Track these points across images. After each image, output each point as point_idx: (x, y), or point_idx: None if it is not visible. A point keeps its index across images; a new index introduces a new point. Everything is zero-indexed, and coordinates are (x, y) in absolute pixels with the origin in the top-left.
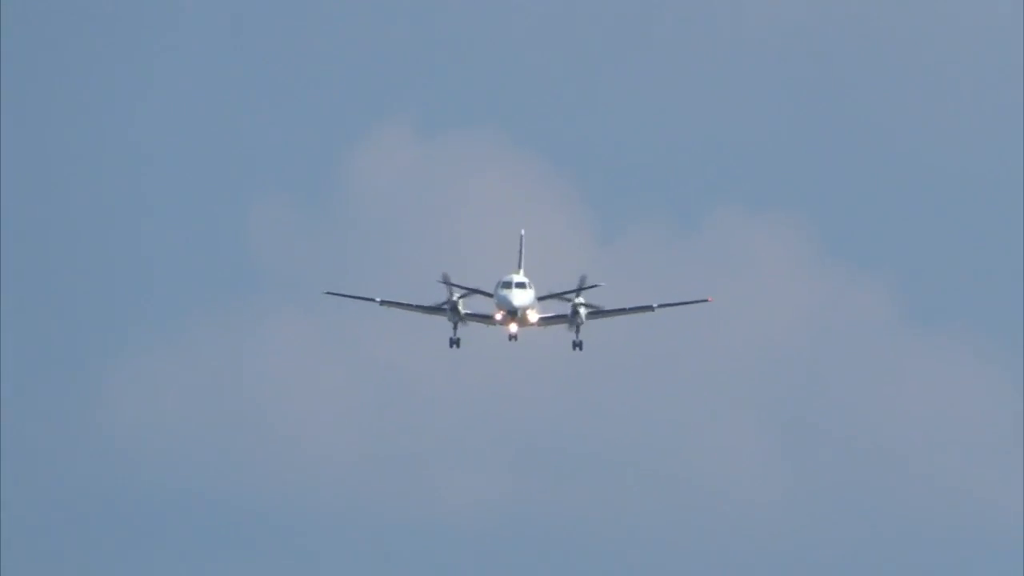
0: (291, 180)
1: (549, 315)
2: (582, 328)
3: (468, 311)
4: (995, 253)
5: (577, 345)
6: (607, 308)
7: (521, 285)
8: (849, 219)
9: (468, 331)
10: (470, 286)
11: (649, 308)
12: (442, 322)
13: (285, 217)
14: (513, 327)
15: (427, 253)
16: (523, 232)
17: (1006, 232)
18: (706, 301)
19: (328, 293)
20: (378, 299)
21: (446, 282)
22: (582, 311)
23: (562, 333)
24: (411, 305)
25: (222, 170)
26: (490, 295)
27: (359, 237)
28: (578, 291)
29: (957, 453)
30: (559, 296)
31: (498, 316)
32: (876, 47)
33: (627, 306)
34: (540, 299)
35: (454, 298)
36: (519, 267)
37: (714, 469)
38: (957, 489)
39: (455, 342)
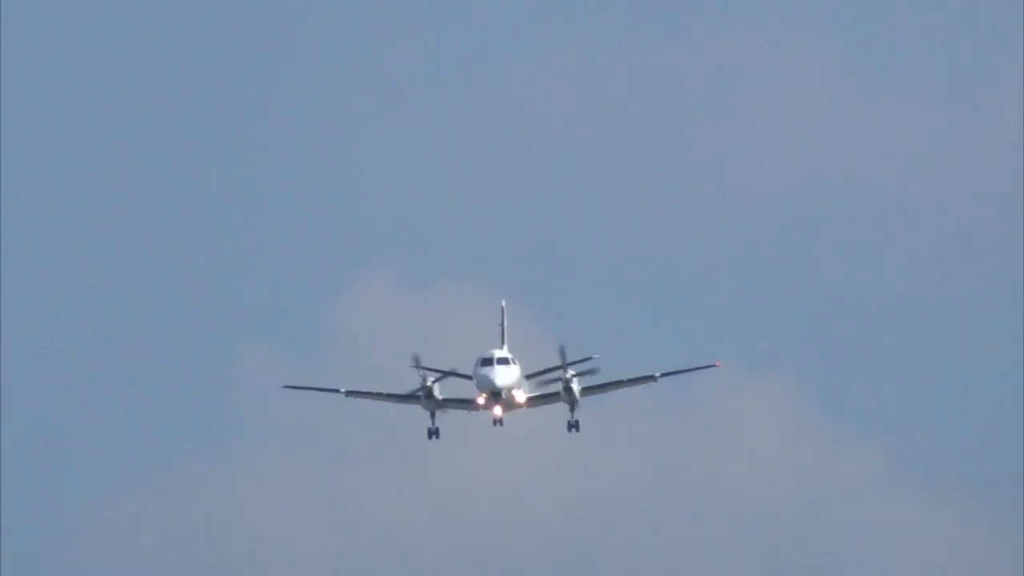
0: (274, 330)
1: (539, 394)
2: (577, 406)
3: (446, 396)
4: (993, 416)
5: (573, 426)
6: (604, 381)
7: (504, 361)
8: (843, 382)
9: (447, 419)
10: (445, 369)
11: (651, 378)
12: (417, 411)
13: (268, 366)
14: (498, 410)
15: (399, 345)
16: (504, 303)
17: (1004, 393)
18: (714, 366)
19: (287, 387)
20: (343, 390)
21: (417, 366)
22: (575, 386)
23: (555, 413)
24: (381, 394)
25: (203, 319)
26: (469, 377)
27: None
28: (570, 365)
29: None
30: (549, 372)
31: (480, 399)
32: (877, 210)
33: (626, 377)
34: (528, 377)
35: (428, 383)
36: (502, 343)
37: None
38: None
39: (434, 432)
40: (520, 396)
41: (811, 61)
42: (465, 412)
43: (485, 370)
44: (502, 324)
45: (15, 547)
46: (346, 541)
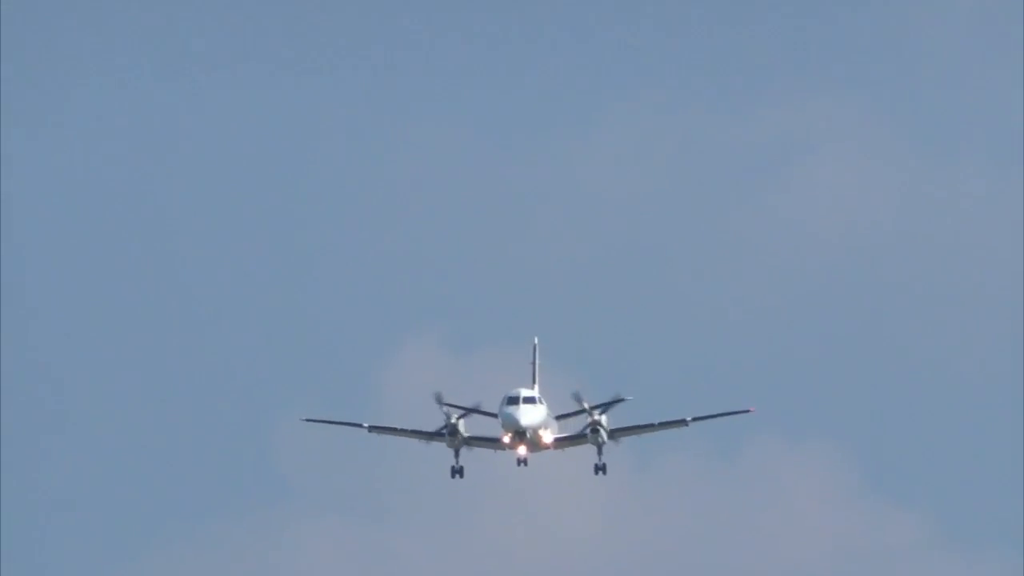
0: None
1: (566, 435)
2: (604, 448)
3: (470, 434)
4: None
5: (600, 468)
6: (633, 424)
7: (530, 400)
8: (886, 450)
9: (472, 458)
10: (469, 406)
11: (683, 423)
12: (441, 449)
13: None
14: (522, 450)
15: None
16: (537, 341)
17: None
18: (748, 412)
19: (308, 420)
20: (366, 425)
21: (440, 402)
22: (603, 428)
23: (582, 456)
24: (405, 430)
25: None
26: (494, 415)
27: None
28: (599, 406)
29: None
30: (578, 414)
31: (505, 438)
32: (925, 279)
33: (657, 421)
34: (558, 418)
35: (453, 420)
36: (533, 382)
37: None
38: None
39: (458, 471)
40: (547, 436)
41: (861, 130)
42: (491, 452)
43: (510, 409)
44: (533, 362)
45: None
46: None
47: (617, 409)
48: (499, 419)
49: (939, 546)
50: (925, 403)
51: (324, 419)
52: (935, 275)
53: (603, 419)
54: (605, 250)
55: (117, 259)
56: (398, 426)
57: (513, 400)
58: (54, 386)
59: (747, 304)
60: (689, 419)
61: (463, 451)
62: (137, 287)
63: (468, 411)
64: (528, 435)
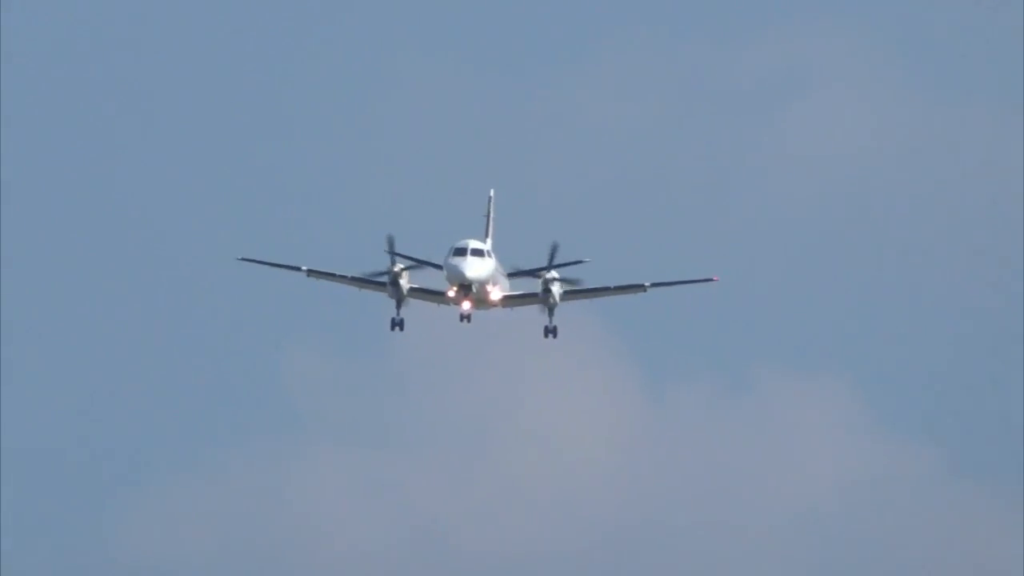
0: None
1: (516, 293)
2: (556, 310)
3: (414, 285)
4: None
5: (550, 332)
6: (589, 287)
7: (478, 252)
8: (895, 382)
9: (415, 311)
10: (419, 256)
11: (641, 287)
12: (382, 299)
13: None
14: (467, 305)
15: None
16: (492, 193)
17: None
18: (711, 280)
19: (243, 259)
20: (304, 268)
21: (391, 250)
22: (556, 288)
23: (532, 316)
24: (344, 276)
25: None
26: (440, 267)
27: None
28: (556, 266)
29: None
30: (533, 273)
31: (450, 292)
32: (922, 216)
33: (613, 284)
34: (510, 276)
35: (396, 268)
36: (485, 236)
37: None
38: None
39: (398, 324)
40: (495, 293)
41: (857, 65)
42: (434, 306)
43: (456, 260)
44: (488, 215)
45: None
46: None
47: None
48: (444, 271)
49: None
50: (927, 334)
51: (261, 260)
52: (940, 207)
53: (557, 278)
54: (590, 149)
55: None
56: (338, 272)
57: (460, 251)
58: None
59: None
60: (648, 284)
61: (405, 304)
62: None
63: (413, 261)
64: (474, 289)
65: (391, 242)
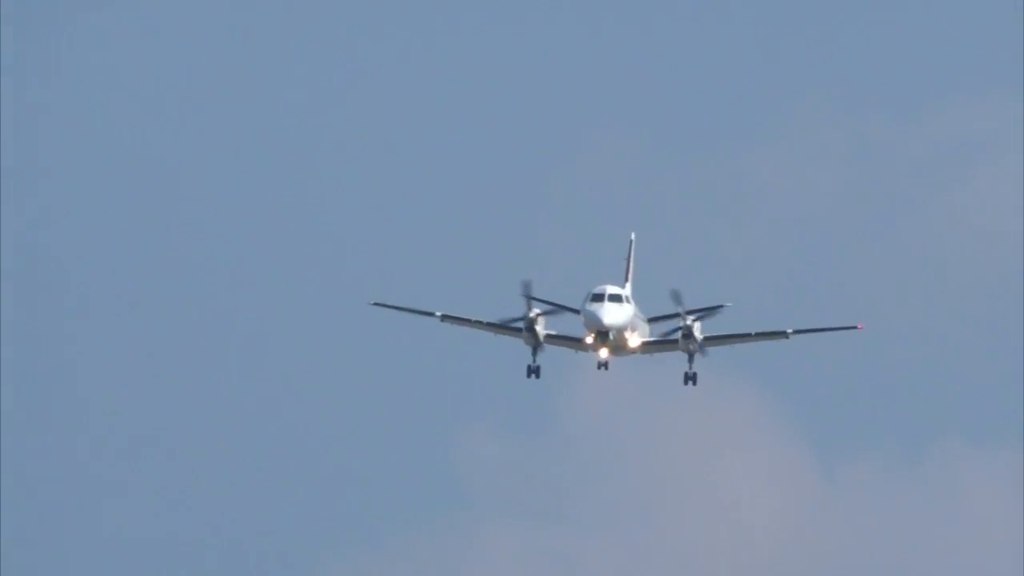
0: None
1: (655, 339)
2: (697, 357)
3: (551, 331)
4: None
5: (690, 378)
6: (730, 333)
7: (616, 298)
8: None
9: (551, 358)
10: (555, 301)
11: (783, 335)
12: (518, 345)
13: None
14: (604, 352)
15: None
16: (634, 236)
17: None
18: (855, 328)
19: (376, 304)
20: (439, 313)
21: (527, 295)
22: (697, 333)
23: (671, 363)
24: (480, 322)
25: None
26: (577, 312)
27: None
28: (695, 311)
29: None
30: (672, 317)
31: (587, 338)
32: None
33: (755, 331)
34: (650, 321)
35: (532, 314)
36: (625, 280)
37: None
38: None
39: (534, 371)
40: (633, 339)
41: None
42: (571, 352)
43: (594, 307)
44: (628, 258)
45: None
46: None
47: (714, 319)
48: (582, 317)
49: None
50: None
51: (394, 304)
52: None
53: (697, 324)
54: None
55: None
56: (473, 317)
57: (598, 297)
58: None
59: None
60: (790, 331)
61: (541, 350)
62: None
63: (550, 306)
64: (612, 336)
65: (527, 287)
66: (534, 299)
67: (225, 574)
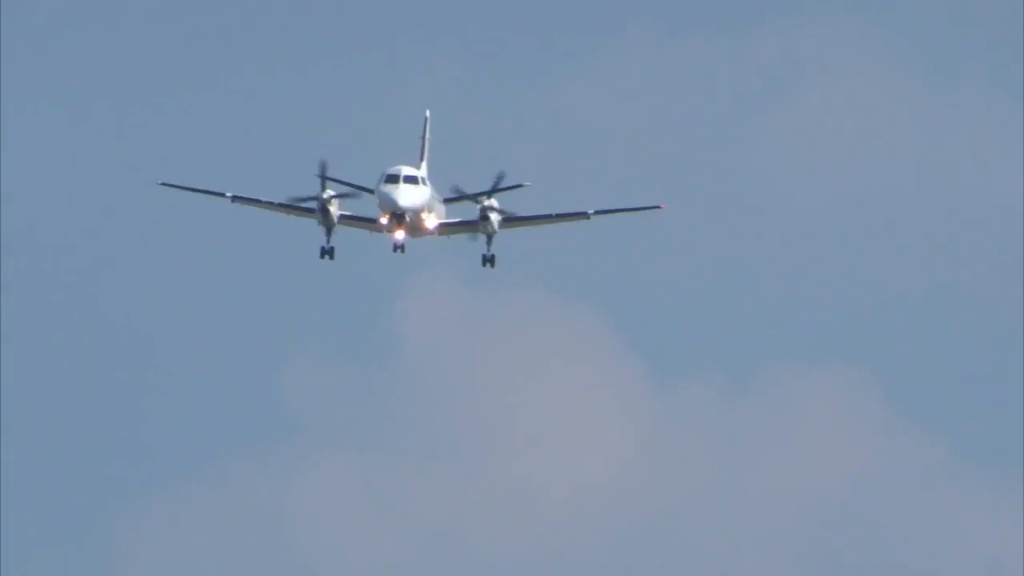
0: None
1: (452, 220)
2: (495, 238)
3: (345, 212)
4: None
5: (488, 260)
6: (530, 215)
7: (412, 179)
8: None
9: (346, 239)
10: (351, 181)
11: (584, 215)
12: (311, 226)
13: None
14: (400, 234)
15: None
16: (428, 114)
17: None
18: (658, 208)
19: (164, 184)
20: (229, 194)
21: (323, 175)
22: (494, 216)
23: (469, 245)
24: (272, 203)
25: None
26: (372, 192)
27: None
28: (494, 192)
29: None
30: (471, 198)
31: (382, 220)
32: (925, 201)
33: (555, 212)
34: (447, 201)
35: (325, 195)
36: (420, 159)
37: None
38: None
39: (328, 252)
40: (430, 221)
41: (867, 59)
42: (367, 233)
43: (388, 188)
44: (423, 137)
45: None
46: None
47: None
48: (376, 198)
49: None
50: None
51: (183, 185)
52: (943, 204)
53: (495, 205)
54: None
55: None
56: (264, 198)
57: (392, 178)
58: None
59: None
60: (591, 212)
61: (335, 231)
62: None
63: (345, 186)
64: (408, 218)
65: (323, 167)
66: (328, 179)
67: (30, 506)
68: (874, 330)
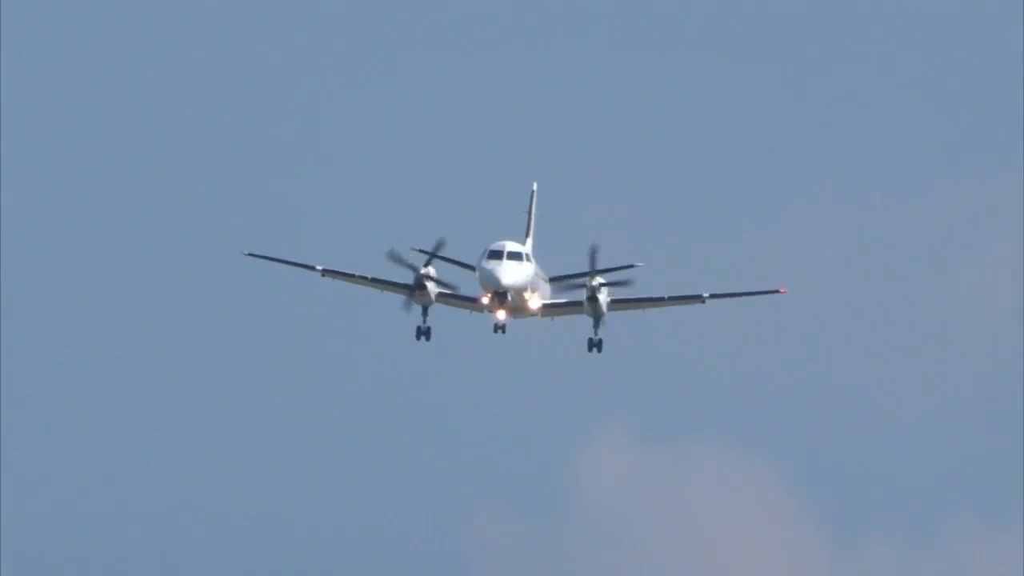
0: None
1: (558, 301)
2: (603, 321)
3: (443, 291)
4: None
5: (595, 345)
6: (640, 296)
7: (516, 256)
8: None
9: (443, 318)
10: (449, 256)
11: (698, 299)
12: (398, 302)
13: None
14: (501, 314)
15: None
16: (535, 187)
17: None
18: (777, 292)
19: (250, 255)
20: (320, 267)
21: (396, 258)
22: (603, 297)
23: (576, 327)
24: (365, 278)
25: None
26: (473, 269)
27: None
28: (602, 272)
29: None
30: (577, 277)
31: (483, 299)
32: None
33: (667, 295)
34: (552, 281)
35: (422, 271)
36: (526, 236)
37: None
38: None
39: (424, 332)
40: (533, 301)
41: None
42: (467, 312)
43: (491, 264)
44: (530, 212)
45: None
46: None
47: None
48: (477, 275)
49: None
50: None
51: (270, 256)
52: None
53: (604, 286)
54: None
55: None
56: (357, 272)
57: (496, 254)
58: None
59: None
60: (706, 295)
61: (432, 309)
62: None
63: (444, 261)
64: (510, 297)
65: (395, 253)
66: (425, 253)
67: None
68: None
